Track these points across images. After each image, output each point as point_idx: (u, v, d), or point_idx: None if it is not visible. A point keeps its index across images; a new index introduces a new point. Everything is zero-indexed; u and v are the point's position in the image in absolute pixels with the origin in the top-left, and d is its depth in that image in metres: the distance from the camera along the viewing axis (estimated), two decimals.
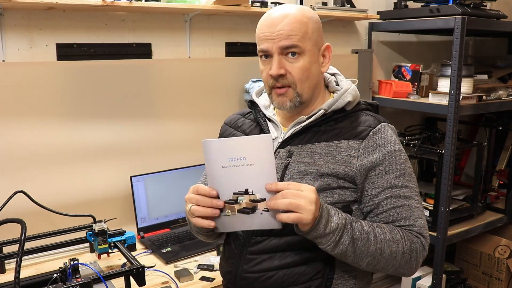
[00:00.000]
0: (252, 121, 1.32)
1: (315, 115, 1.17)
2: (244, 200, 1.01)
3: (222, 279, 1.30)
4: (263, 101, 1.30)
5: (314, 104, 1.22)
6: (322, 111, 1.17)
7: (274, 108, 1.29)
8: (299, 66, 1.13)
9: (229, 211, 1.03)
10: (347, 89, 1.21)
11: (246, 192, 1.01)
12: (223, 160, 1.00)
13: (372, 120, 1.18)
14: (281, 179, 1.15)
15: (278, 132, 1.24)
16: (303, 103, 1.18)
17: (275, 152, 1.19)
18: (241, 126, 1.33)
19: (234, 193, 1.02)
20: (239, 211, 1.02)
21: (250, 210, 1.01)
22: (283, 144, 1.20)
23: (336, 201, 1.12)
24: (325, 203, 1.08)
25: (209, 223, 1.05)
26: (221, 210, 1.04)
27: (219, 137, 1.39)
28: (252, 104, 1.31)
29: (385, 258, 1.08)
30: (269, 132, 1.24)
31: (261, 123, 1.27)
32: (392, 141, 1.15)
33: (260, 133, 1.26)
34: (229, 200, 1.03)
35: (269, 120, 1.27)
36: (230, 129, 1.36)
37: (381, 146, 1.14)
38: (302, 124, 1.18)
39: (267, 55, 1.15)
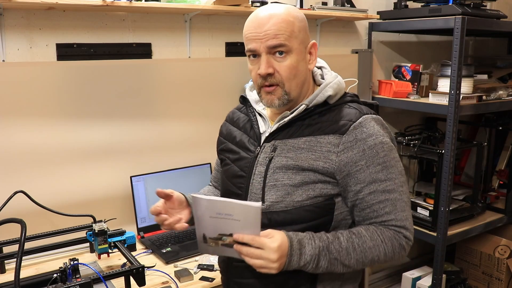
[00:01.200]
0: (246, 115, 1.35)
1: (297, 110, 1.20)
2: (228, 240, 1.09)
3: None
4: (254, 96, 1.33)
5: (301, 100, 1.23)
6: (303, 106, 1.19)
7: None
8: (286, 64, 1.15)
9: (213, 244, 1.11)
10: (328, 83, 1.22)
11: (231, 235, 1.08)
12: (211, 213, 1.08)
13: (354, 113, 1.18)
14: (265, 172, 1.18)
15: (266, 126, 1.27)
16: (291, 101, 1.20)
17: (261, 146, 1.23)
18: (236, 121, 1.38)
19: (219, 234, 1.09)
20: (222, 244, 1.10)
21: (232, 245, 1.09)
22: (268, 138, 1.23)
23: (318, 195, 1.14)
24: (307, 197, 1.13)
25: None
26: (205, 241, 1.12)
27: (220, 134, 1.43)
28: (244, 100, 1.34)
29: (367, 263, 1.14)
30: (258, 127, 1.27)
31: (251, 117, 1.30)
32: (374, 134, 1.14)
33: (251, 129, 1.29)
34: (214, 237, 1.11)
35: (260, 115, 1.29)
36: (227, 125, 1.41)
37: (361, 140, 1.13)
38: (286, 119, 1.20)
39: (255, 54, 1.18)
